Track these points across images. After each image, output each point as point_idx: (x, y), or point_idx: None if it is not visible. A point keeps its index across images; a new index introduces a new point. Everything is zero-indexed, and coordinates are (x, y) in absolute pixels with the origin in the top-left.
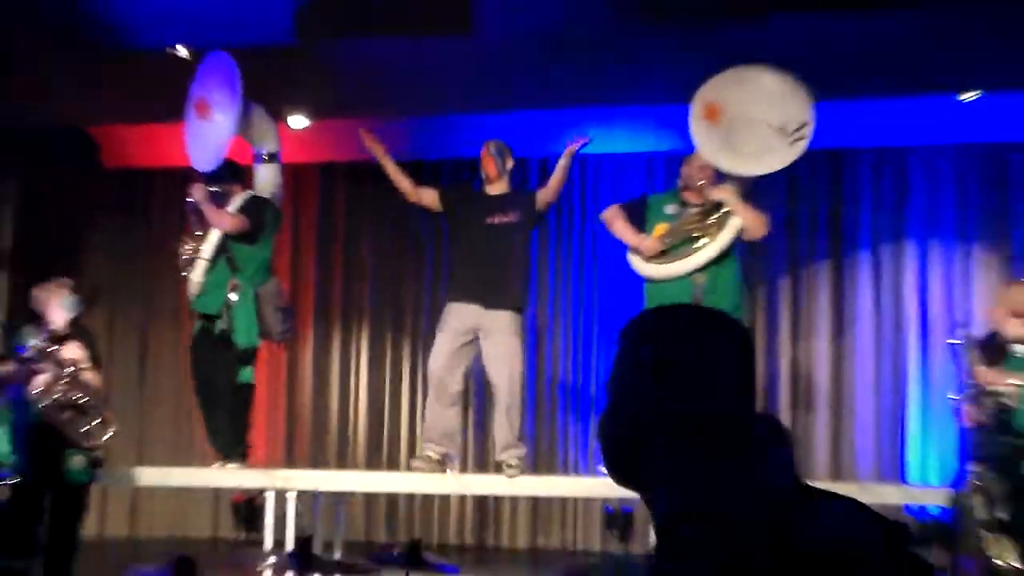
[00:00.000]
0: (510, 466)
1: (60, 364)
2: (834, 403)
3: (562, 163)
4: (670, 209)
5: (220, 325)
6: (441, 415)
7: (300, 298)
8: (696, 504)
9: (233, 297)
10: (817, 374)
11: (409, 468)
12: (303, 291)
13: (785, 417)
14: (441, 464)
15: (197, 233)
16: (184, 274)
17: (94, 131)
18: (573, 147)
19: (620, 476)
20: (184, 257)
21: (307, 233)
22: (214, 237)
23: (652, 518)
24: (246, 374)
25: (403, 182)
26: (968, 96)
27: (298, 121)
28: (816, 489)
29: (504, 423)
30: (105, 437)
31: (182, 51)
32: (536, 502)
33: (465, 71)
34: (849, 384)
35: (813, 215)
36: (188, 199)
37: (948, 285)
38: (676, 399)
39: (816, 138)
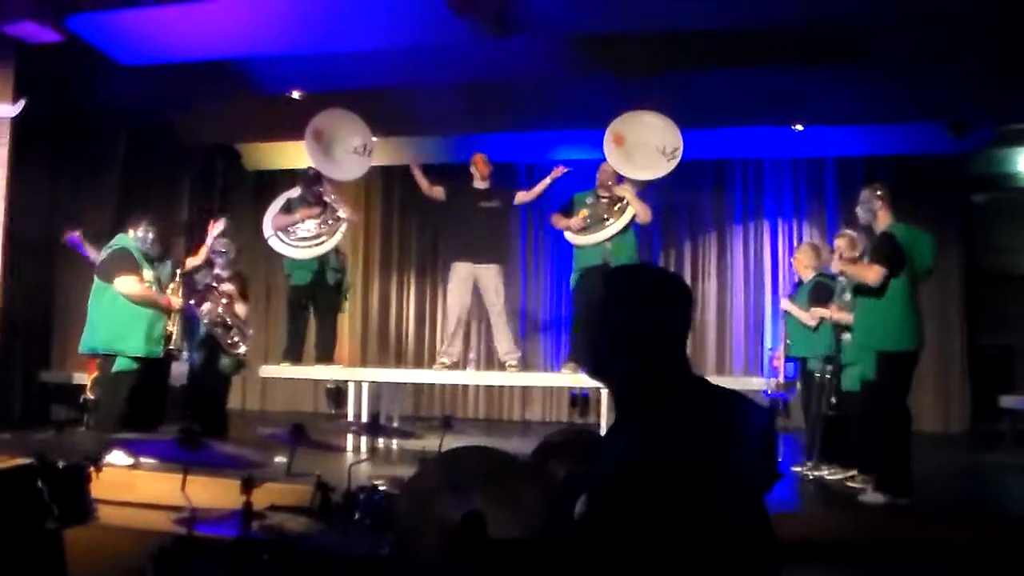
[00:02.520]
0: (512, 365)
1: (220, 295)
2: (719, 324)
3: (546, 181)
4: (589, 200)
5: (335, 277)
6: (453, 337)
7: (369, 254)
8: (641, 389)
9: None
10: (708, 304)
11: (434, 367)
12: (371, 249)
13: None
14: (456, 366)
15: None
16: (317, 242)
17: (238, 145)
18: (557, 173)
19: (593, 372)
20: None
21: (373, 215)
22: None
23: (613, 397)
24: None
25: (423, 183)
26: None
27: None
28: (710, 383)
29: (503, 336)
30: (243, 348)
31: (296, 94)
32: (525, 389)
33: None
34: (729, 311)
35: (703, 205)
36: (320, 192)
37: (789, 248)
38: (627, 321)
39: (716, 151)
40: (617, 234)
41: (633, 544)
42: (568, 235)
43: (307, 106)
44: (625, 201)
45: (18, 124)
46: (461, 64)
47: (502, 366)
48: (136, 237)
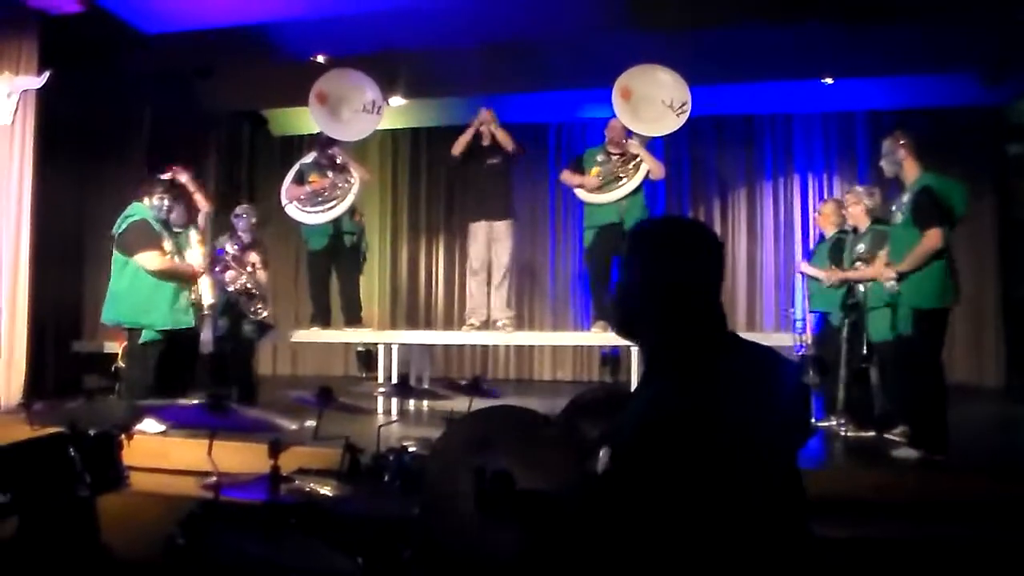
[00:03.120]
0: (504, 325)
1: (243, 264)
2: (749, 281)
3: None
4: (600, 158)
5: (351, 240)
6: (478, 297)
7: (397, 217)
8: (670, 344)
9: (363, 222)
10: (738, 261)
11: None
12: (400, 212)
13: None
14: (483, 326)
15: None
16: (329, 206)
17: (264, 112)
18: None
19: (621, 329)
20: (320, 191)
21: (401, 177)
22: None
23: (643, 354)
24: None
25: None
26: (827, 80)
27: (396, 100)
28: (742, 338)
29: (498, 296)
30: (265, 314)
31: (320, 59)
32: (555, 349)
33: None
34: (759, 267)
35: (733, 161)
36: (332, 155)
37: (819, 202)
38: (655, 275)
39: (746, 107)
40: (631, 192)
41: (656, 495)
42: (580, 193)
43: (331, 70)
44: (639, 158)
45: (44, 96)
46: (484, 23)
47: (494, 324)
48: (152, 206)
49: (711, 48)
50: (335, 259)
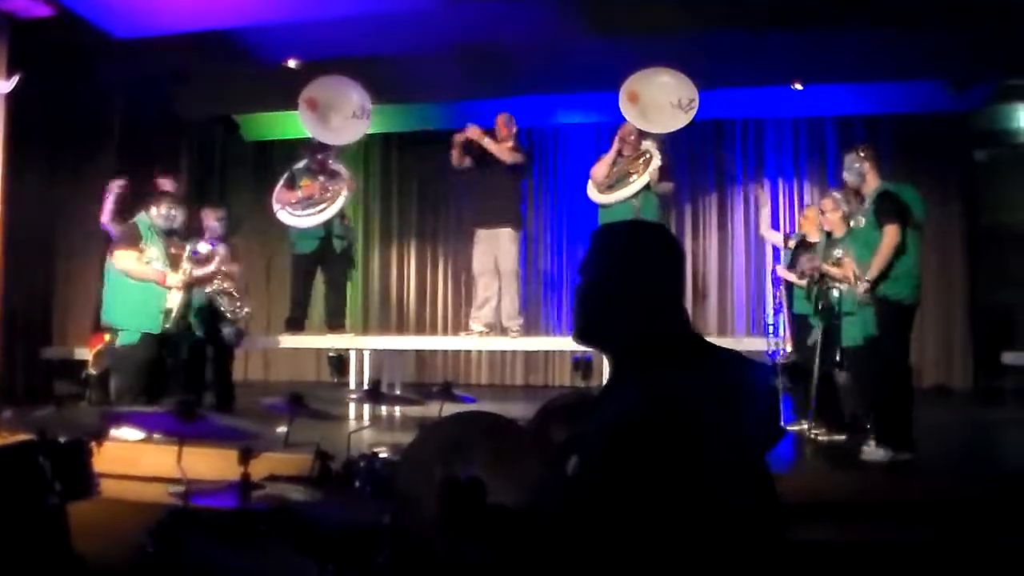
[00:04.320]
0: (514, 331)
1: (217, 264)
2: (720, 285)
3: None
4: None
5: (340, 245)
6: (482, 303)
7: (369, 222)
8: (633, 349)
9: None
10: (709, 265)
11: (471, 335)
12: (371, 217)
13: (692, 293)
14: (488, 331)
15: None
16: (318, 209)
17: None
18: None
19: (586, 336)
20: (312, 196)
21: (372, 182)
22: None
23: (609, 360)
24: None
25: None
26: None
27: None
28: (707, 341)
29: (508, 301)
30: (243, 314)
31: (292, 63)
32: (528, 354)
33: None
34: (730, 272)
35: (704, 165)
36: (324, 159)
37: (789, 207)
38: (624, 285)
39: (717, 111)
40: (642, 190)
41: (626, 502)
42: (592, 194)
43: (304, 75)
44: (648, 155)
45: (13, 100)
46: (459, 28)
47: (504, 331)
48: (157, 215)
49: (682, 54)
50: (323, 263)
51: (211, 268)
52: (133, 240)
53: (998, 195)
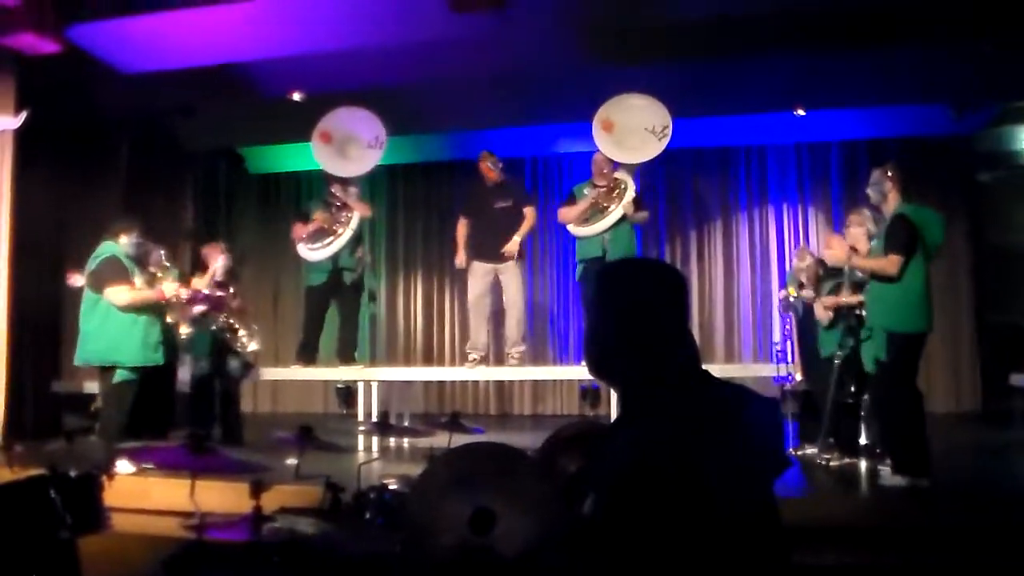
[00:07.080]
0: (514, 358)
1: (222, 299)
2: (726, 312)
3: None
4: (587, 191)
5: (351, 277)
6: (478, 330)
7: (375, 255)
8: (641, 386)
9: (367, 259)
10: (715, 292)
11: (465, 365)
12: (377, 250)
13: (698, 320)
14: (484, 361)
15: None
16: (326, 242)
17: (240, 149)
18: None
19: (596, 371)
20: (324, 228)
21: (378, 213)
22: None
23: (618, 396)
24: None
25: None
26: (799, 112)
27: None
28: (713, 376)
29: (513, 329)
30: (251, 348)
31: (297, 96)
32: (535, 383)
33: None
34: (736, 298)
35: (709, 192)
36: (334, 191)
37: (794, 233)
38: (620, 318)
39: (721, 139)
40: (615, 224)
41: (639, 543)
42: (570, 227)
43: (308, 108)
44: (624, 186)
45: (21, 136)
46: (461, 60)
47: (505, 358)
48: (127, 243)
49: (685, 82)
50: (335, 295)
51: (221, 316)
52: (121, 273)
53: (1003, 216)
